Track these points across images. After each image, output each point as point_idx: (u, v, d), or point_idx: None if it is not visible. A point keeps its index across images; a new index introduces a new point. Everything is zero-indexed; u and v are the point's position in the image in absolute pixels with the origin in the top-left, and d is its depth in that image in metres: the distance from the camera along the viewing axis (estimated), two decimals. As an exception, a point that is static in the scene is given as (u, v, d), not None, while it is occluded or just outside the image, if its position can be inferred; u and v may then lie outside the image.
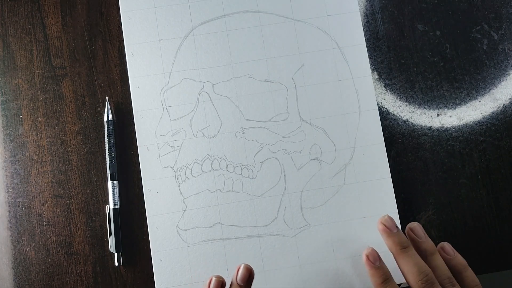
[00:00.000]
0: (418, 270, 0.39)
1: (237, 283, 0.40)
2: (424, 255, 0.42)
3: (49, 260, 0.46)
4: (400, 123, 0.49)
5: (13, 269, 0.46)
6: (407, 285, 0.41)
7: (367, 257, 0.42)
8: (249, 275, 0.40)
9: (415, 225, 0.43)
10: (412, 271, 0.40)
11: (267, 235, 0.46)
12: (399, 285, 0.43)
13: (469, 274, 0.42)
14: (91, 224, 0.46)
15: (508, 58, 0.50)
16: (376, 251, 0.42)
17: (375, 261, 0.42)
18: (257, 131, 0.47)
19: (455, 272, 0.42)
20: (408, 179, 0.48)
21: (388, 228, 0.42)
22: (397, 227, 0.42)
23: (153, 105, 0.47)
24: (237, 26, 0.48)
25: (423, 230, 0.43)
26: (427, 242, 0.42)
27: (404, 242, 0.41)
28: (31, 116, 0.48)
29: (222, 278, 0.41)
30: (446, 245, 0.43)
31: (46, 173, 0.47)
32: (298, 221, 0.46)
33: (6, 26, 0.49)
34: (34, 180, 0.47)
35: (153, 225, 0.45)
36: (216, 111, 0.47)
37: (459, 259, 0.43)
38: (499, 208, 0.48)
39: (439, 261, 0.41)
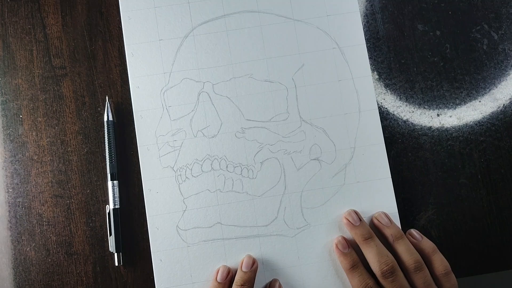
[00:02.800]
0: (379, 260, 0.42)
1: (241, 270, 0.43)
2: (391, 240, 0.44)
3: (49, 260, 0.46)
4: (400, 123, 0.49)
5: (13, 269, 0.46)
6: None
7: (336, 245, 0.44)
8: (253, 263, 0.44)
9: (379, 213, 0.45)
10: (374, 260, 0.42)
11: (267, 235, 0.46)
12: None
13: (438, 257, 0.43)
14: (91, 224, 0.46)
15: (508, 58, 0.50)
16: (345, 239, 0.45)
17: (344, 248, 0.44)
18: (257, 131, 0.47)
19: (424, 256, 0.43)
20: (408, 179, 0.48)
21: (351, 222, 0.44)
22: (360, 220, 0.44)
23: (153, 105, 0.47)
24: (237, 26, 0.48)
25: (389, 217, 0.45)
26: (393, 227, 0.44)
27: (366, 234, 0.43)
28: (31, 116, 0.48)
29: (229, 267, 0.44)
30: (413, 231, 0.45)
31: (46, 173, 0.47)
32: (298, 221, 0.46)
33: (6, 26, 0.49)
34: (34, 180, 0.47)
35: (153, 225, 0.45)
36: (216, 111, 0.47)
37: (427, 243, 0.44)
38: (499, 208, 0.48)
39: (406, 245, 0.43)
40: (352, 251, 0.44)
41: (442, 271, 0.42)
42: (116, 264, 0.45)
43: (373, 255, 0.42)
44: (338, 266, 0.45)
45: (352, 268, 0.43)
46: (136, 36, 0.48)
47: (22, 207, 0.46)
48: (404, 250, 0.43)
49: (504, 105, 0.49)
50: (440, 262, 0.42)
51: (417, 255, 0.42)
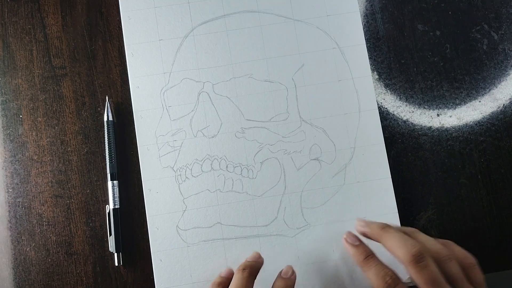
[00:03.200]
0: (406, 243, 0.36)
1: (246, 260, 0.43)
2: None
3: (49, 260, 0.46)
4: (400, 123, 0.49)
5: (13, 269, 0.46)
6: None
7: (346, 240, 0.42)
8: (259, 256, 0.43)
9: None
10: (400, 244, 0.37)
11: (267, 235, 0.46)
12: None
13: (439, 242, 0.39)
14: (91, 224, 0.46)
15: (508, 58, 0.50)
16: (353, 233, 0.43)
17: (354, 241, 0.42)
18: (257, 131, 0.47)
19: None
20: (408, 179, 0.48)
21: (360, 227, 0.42)
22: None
23: (153, 105, 0.47)
24: (237, 26, 0.48)
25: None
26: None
27: (382, 224, 0.40)
28: (31, 116, 0.48)
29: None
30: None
31: (46, 173, 0.47)
32: (298, 221, 0.46)
33: (6, 26, 0.49)
34: (34, 180, 0.47)
35: (153, 225, 0.45)
36: (216, 111, 0.47)
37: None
38: (499, 208, 0.48)
39: (424, 237, 0.39)
40: (363, 243, 0.41)
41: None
42: (116, 264, 0.45)
43: (396, 240, 0.37)
44: (338, 266, 0.45)
45: (366, 258, 0.39)
46: (136, 36, 0.48)
47: (22, 207, 0.46)
48: (424, 240, 0.38)
49: (504, 105, 0.49)
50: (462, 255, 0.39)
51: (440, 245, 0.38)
